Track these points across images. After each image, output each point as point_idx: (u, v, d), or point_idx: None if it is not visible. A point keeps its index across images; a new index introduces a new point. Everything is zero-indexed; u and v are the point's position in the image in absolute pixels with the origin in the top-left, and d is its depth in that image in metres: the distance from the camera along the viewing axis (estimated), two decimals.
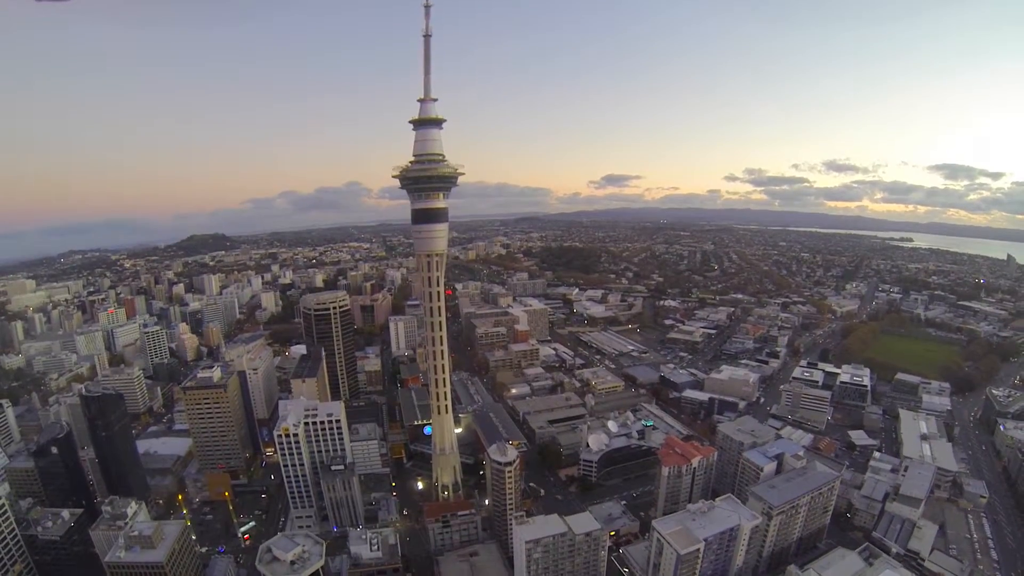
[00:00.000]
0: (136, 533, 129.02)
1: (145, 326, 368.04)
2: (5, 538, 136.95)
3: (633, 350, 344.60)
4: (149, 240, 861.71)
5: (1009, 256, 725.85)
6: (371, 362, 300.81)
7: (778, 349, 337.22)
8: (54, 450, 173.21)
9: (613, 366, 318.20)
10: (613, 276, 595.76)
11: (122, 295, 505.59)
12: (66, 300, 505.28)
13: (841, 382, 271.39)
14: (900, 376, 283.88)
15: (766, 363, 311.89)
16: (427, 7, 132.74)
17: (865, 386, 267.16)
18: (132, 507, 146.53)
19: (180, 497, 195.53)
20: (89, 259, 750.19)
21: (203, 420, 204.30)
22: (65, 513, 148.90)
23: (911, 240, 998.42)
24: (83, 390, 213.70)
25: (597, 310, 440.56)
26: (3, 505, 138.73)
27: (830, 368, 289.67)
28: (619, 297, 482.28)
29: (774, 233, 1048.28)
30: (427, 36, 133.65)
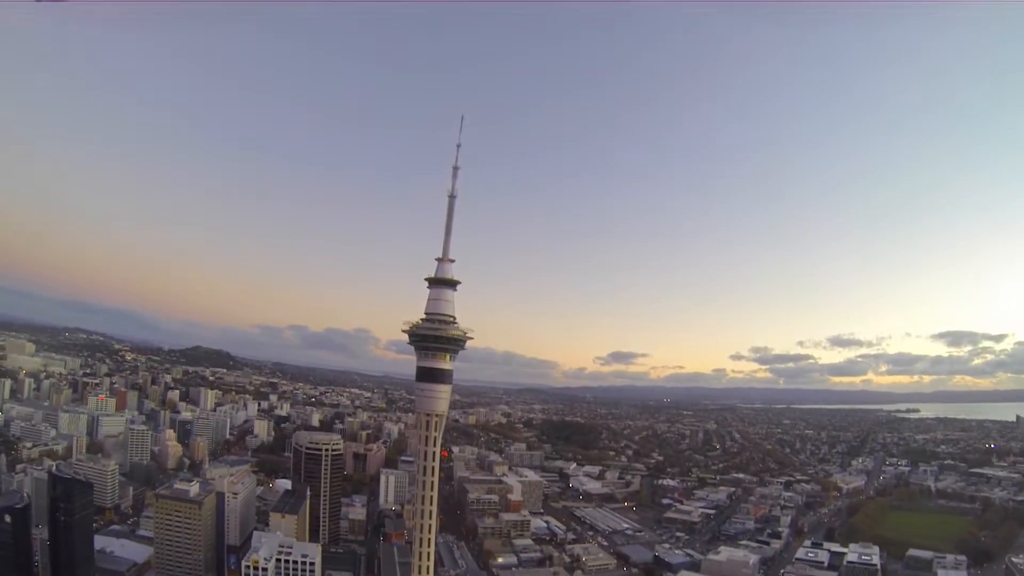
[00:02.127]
0: None
1: (132, 422, 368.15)
2: None
3: (628, 528, 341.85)
4: (154, 339, 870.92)
5: (1018, 417, 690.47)
6: (356, 510, 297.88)
7: (780, 529, 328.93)
8: (7, 518, 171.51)
9: (606, 543, 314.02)
10: (612, 453, 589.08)
11: (116, 385, 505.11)
12: (60, 374, 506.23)
13: (848, 562, 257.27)
14: (912, 552, 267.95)
15: (767, 544, 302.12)
16: (455, 168, 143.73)
17: (875, 565, 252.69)
18: None
19: None
20: (93, 341, 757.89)
21: (171, 532, 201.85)
22: None
23: (918, 411, 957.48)
24: (54, 468, 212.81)
25: (593, 486, 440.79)
26: None
27: (836, 548, 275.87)
28: (617, 474, 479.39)
29: (779, 411, 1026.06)
30: (452, 196, 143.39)
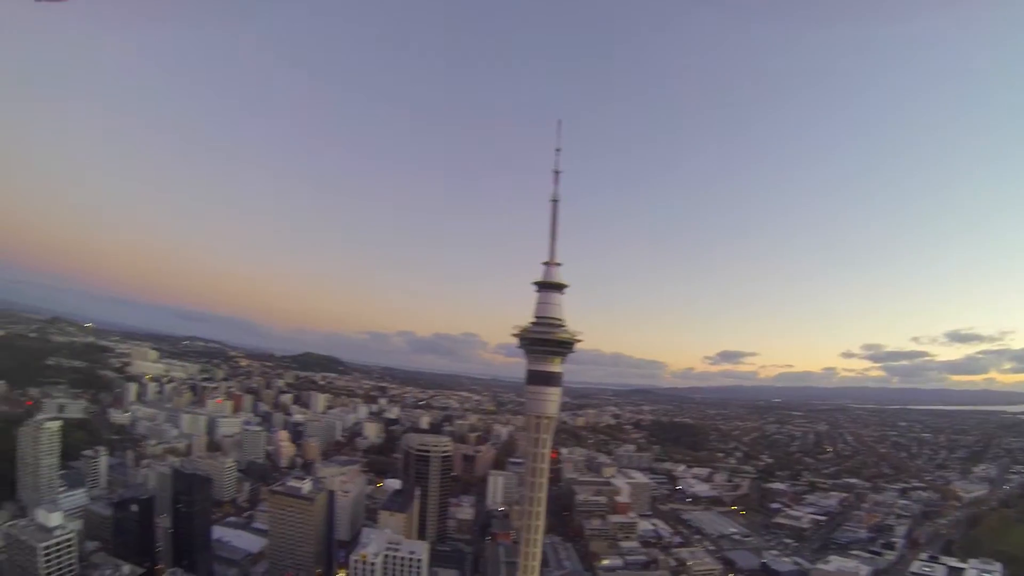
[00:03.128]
0: None
1: (247, 423, 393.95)
2: (63, 569, 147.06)
3: (735, 533, 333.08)
4: (266, 345, 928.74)
5: None
6: (464, 510, 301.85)
7: (894, 540, 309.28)
8: (134, 507, 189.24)
9: (712, 548, 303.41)
10: (721, 455, 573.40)
11: (232, 389, 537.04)
12: (181, 379, 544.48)
13: None
14: None
15: (880, 555, 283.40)
16: (556, 172, 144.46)
17: None
18: None
19: None
20: (210, 348, 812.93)
21: (284, 525, 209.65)
22: (126, 568, 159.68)
23: None
24: (177, 463, 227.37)
25: (701, 489, 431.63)
26: (72, 538, 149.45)
27: (955, 563, 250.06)
28: (726, 477, 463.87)
29: (893, 412, 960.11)
30: (555, 201, 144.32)
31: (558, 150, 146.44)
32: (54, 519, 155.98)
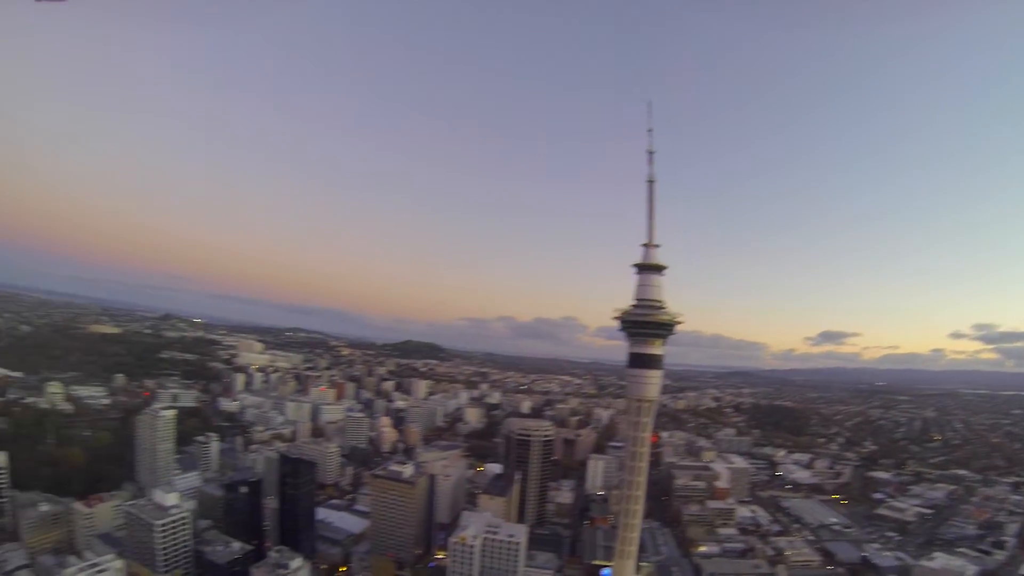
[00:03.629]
0: None
1: (350, 410, 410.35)
2: (178, 545, 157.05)
3: (836, 523, 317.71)
4: (367, 335, 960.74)
5: None
6: (564, 494, 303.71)
7: (1005, 538, 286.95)
8: (243, 489, 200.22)
9: (812, 538, 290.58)
10: (822, 440, 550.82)
11: (335, 377, 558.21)
12: (285, 368, 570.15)
13: None
14: None
15: (989, 554, 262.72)
16: (650, 153, 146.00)
17: None
18: (297, 562, 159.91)
19: (343, 569, 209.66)
20: (312, 339, 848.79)
21: (385, 508, 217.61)
22: (235, 544, 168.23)
23: None
24: (284, 448, 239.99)
25: (802, 476, 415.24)
26: (186, 517, 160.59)
27: None
28: (827, 463, 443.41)
29: (1007, 399, 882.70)
30: (651, 182, 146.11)
31: (650, 130, 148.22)
32: (170, 499, 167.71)
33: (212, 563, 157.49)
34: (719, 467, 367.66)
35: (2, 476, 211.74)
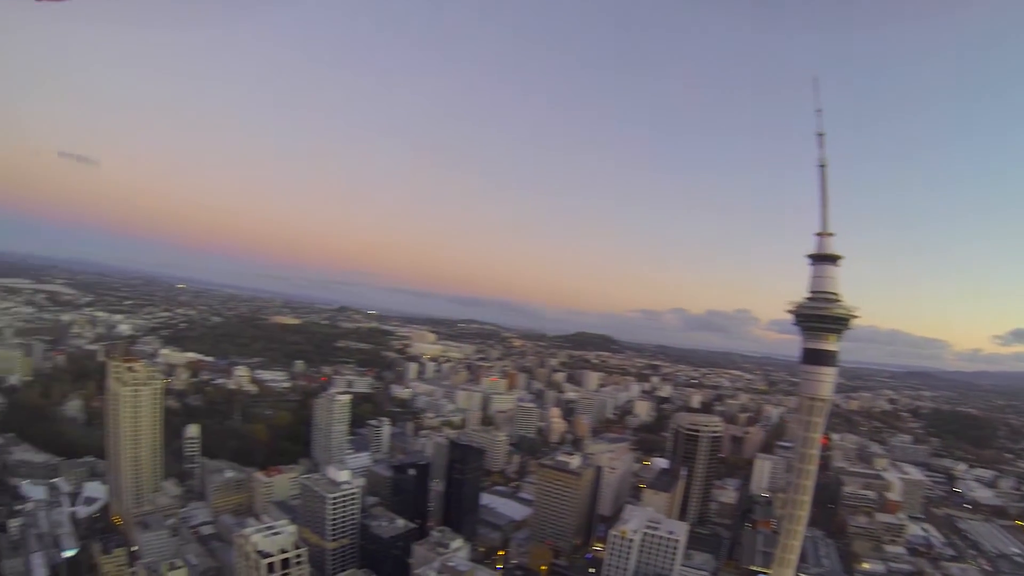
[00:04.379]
0: (452, 564, 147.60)
1: (520, 400, 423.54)
2: (347, 517, 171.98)
3: (1018, 554, 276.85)
4: (539, 326, 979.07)
5: None
6: (727, 494, 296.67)
7: None
8: (411, 471, 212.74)
9: (989, 568, 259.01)
10: (1010, 456, 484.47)
11: (506, 368, 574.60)
12: (457, 359, 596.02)
13: None
14: None
15: None
16: (819, 135, 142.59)
17: None
18: (457, 542, 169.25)
19: (501, 553, 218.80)
20: (485, 330, 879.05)
21: (549, 497, 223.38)
22: (400, 521, 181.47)
23: None
24: (453, 435, 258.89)
25: (984, 494, 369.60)
26: (356, 493, 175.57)
27: None
28: (1014, 483, 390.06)
29: None
30: (822, 166, 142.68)
31: (818, 111, 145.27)
32: (342, 476, 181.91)
33: (377, 536, 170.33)
34: (891, 477, 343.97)
35: (194, 445, 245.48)
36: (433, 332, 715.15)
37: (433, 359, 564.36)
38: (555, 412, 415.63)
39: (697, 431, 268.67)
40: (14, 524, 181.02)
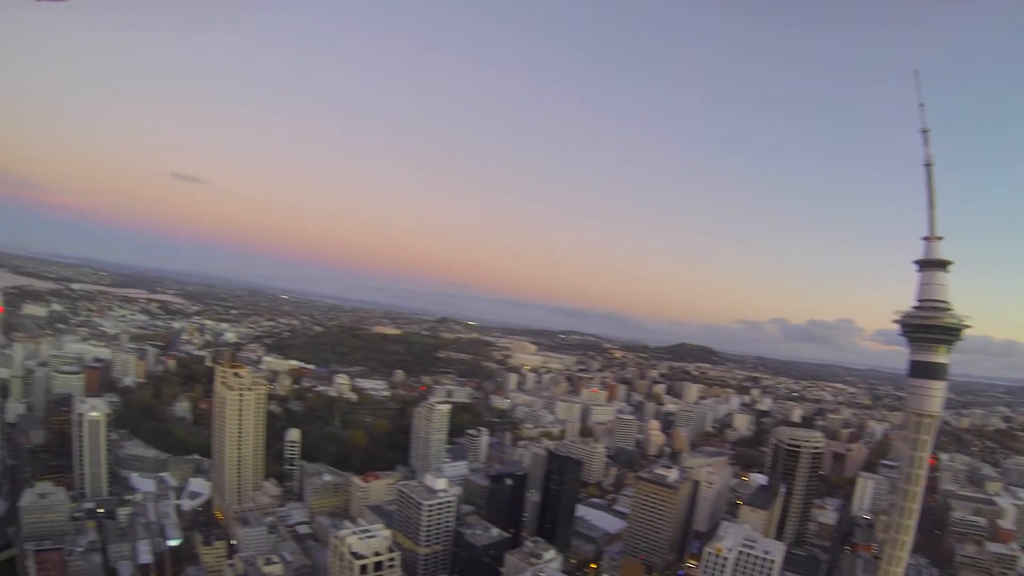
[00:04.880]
0: (544, 575, 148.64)
1: (620, 412, 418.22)
2: (441, 524, 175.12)
3: None
4: (639, 337, 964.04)
5: None
6: (827, 514, 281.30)
7: None
8: (508, 481, 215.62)
9: None
10: None
11: (606, 379, 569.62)
12: (557, 370, 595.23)
13: None
14: None
15: None
16: (924, 132, 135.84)
17: None
18: (550, 553, 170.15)
19: (593, 566, 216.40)
20: (585, 341, 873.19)
21: (645, 511, 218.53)
22: (494, 530, 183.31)
23: None
24: (551, 446, 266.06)
25: None
26: (452, 501, 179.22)
27: None
28: None
29: None
30: (928, 165, 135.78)
31: (921, 105, 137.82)
32: (439, 483, 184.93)
33: (470, 544, 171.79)
34: (1005, 503, 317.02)
35: (295, 448, 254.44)
36: (534, 343, 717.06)
37: (533, 370, 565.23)
38: (654, 424, 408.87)
39: (798, 447, 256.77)
40: (123, 512, 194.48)
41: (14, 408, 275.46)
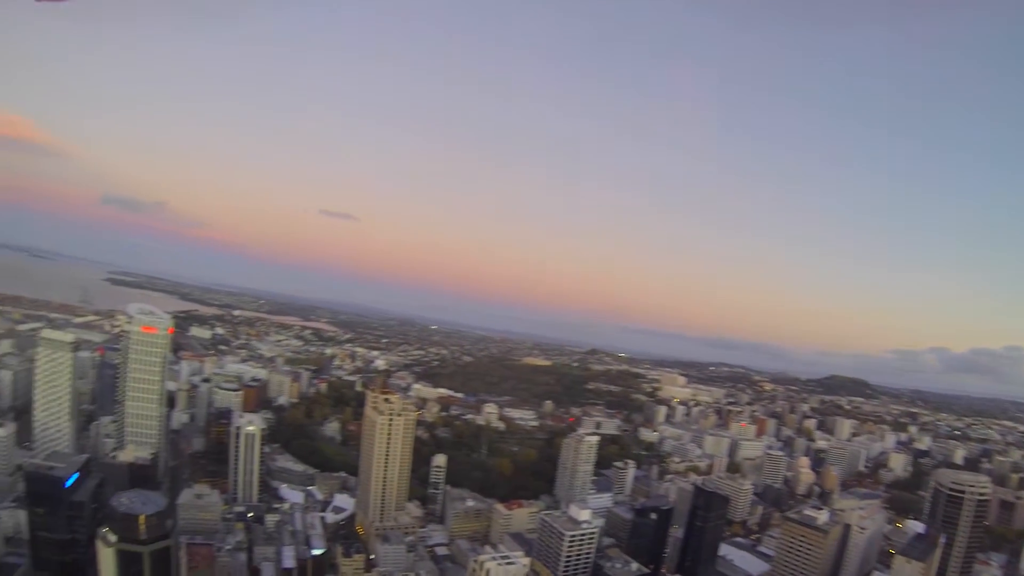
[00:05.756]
0: None
1: (769, 447, 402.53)
2: (581, 556, 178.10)
3: None
4: (789, 369, 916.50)
5: None
6: (991, 571, 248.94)
7: None
8: (652, 515, 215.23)
9: None
10: None
11: (756, 413, 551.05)
12: (707, 403, 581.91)
13: None
14: None
15: None
16: None
17: None
18: None
19: None
20: (735, 373, 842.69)
21: (791, 554, 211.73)
22: (634, 565, 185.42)
23: None
24: (698, 481, 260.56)
25: None
26: (594, 533, 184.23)
27: None
28: None
29: None
30: None
31: None
32: (583, 515, 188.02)
33: None
34: None
35: (440, 473, 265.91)
36: (683, 375, 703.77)
37: (682, 402, 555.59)
38: (803, 462, 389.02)
39: (961, 492, 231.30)
40: (271, 519, 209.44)
41: (179, 417, 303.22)
